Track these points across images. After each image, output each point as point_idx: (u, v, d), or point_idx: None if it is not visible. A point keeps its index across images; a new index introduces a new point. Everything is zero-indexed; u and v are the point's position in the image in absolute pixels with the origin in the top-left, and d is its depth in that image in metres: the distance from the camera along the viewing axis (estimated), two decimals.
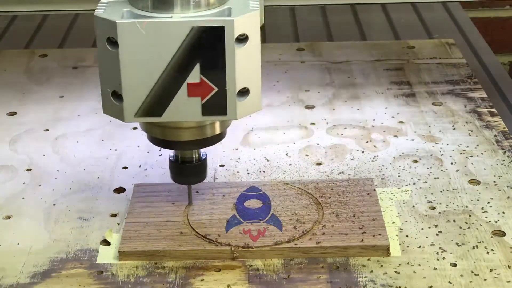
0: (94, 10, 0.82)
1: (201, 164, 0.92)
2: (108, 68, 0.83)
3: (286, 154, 1.07)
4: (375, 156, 1.06)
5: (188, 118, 0.84)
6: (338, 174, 1.02)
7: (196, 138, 0.89)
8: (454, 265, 0.87)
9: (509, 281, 0.84)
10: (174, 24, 0.80)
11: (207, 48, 0.81)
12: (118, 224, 0.94)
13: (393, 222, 0.93)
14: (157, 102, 0.83)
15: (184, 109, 0.83)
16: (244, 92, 0.83)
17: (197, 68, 0.82)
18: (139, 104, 0.83)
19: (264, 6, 0.92)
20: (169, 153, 0.93)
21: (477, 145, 1.08)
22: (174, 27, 0.80)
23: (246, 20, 0.81)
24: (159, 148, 1.09)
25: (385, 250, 0.88)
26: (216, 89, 0.82)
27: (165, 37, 0.80)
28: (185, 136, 0.88)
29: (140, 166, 1.05)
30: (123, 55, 0.81)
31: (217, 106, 0.83)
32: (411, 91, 1.22)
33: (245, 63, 0.82)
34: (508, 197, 0.98)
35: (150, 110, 0.83)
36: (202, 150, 0.92)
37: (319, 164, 1.05)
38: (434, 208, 0.96)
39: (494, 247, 0.89)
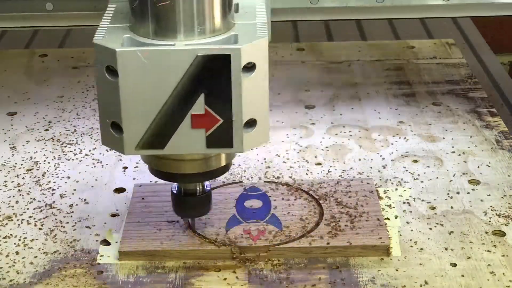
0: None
1: (206, 197, 0.88)
2: (107, 98, 0.78)
3: (286, 153, 1.07)
4: (375, 156, 1.06)
5: (192, 150, 0.80)
6: (338, 174, 1.02)
7: (199, 171, 0.84)
8: (454, 265, 0.87)
9: (509, 281, 0.84)
10: (177, 52, 0.75)
11: (212, 78, 0.76)
12: (120, 224, 0.94)
13: (393, 222, 0.93)
14: (159, 134, 0.78)
15: (188, 141, 0.79)
16: (251, 123, 0.79)
17: (201, 98, 0.77)
18: (140, 136, 0.78)
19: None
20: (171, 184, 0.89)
21: (477, 145, 1.08)
22: (177, 56, 0.75)
23: (254, 48, 0.76)
24: None
25: (385, 250, 0.88)
26: (221, 121, 0.78)
27: (167, 66, 0.76)
28: (188, 169, 0.84)
29: (138, 167, 1.05)
30: (123, 84, 0.76)
31: (222, 138, 0.78)
32: (411, 91, 1.22)
33: (252, 93, 0.78)
34: (508, 197, 0.98)
35: (152, 142, 0.79)
36: (207, 182, 0.88)
37: (319, 164, 1.05)
38: (434, 208, 0.96)
39: (494, 247, 0.89)
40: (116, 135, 0.79)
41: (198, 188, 0.87)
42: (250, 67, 0.77)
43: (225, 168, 0.86)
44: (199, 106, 0.77)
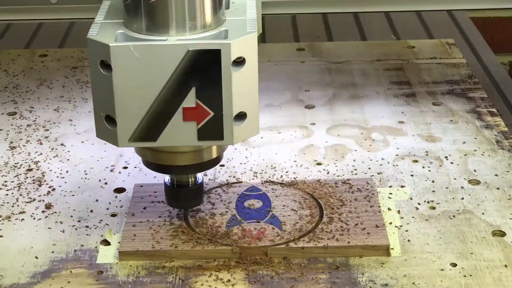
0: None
1: (198, 188, 0.90)
2: (101, 92, 0.81)
3: (286, 153, 1.07)
4: (375, 156, 1.06)
5: (184, 143, 0.82)
6: (338, 174, 1.02)
7: (192, 162, 0.87)
8: (454, 265, 0.87)
9: (509, 281, 0.84)
10: (169, 47, 0.78)
11: (203, 72, 0.79)
12: (120, 224, 0.94)
13: (393, 222, 0.93)
14: (151, 127, 0.81)
15: (180, 133, 0.81)
16: (241, 116, 0.81)
17: (192, 92, 0.79)
18: (133, 129, 0.81)
19: (266, 14, 0.91)
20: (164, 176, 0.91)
21: (477, 145, 1.08)
22: (169, 51, 0.78)
23: (243, 43, 0.79)
24: None
25: (385, 250, 0.88)
26: (212, 114, 0.80)
27: (159, 61, 0.78)
28: (181, 161, 0.87)
29: (138, 167, 1.05)
30: (117, 79, 0.79)
31: (213, 131, 0.81)
32: (411, 91, 1.22)
33: (242, 87, 0.80)
34: (508, 197, 0.98)
35: (145, 134, 0.81)
36: (199, 174, 0.90)
37: (319, 164, 1.05)
38: (434, 208, 0.96)
39: (494, 247, 0.89)
40: (110, 128, 0.82)
41: (190, 180, 0.90)
42: (239, 62, 0.79)
43: (217, 160, 0.88)
44: (191, 99, 0.80)
